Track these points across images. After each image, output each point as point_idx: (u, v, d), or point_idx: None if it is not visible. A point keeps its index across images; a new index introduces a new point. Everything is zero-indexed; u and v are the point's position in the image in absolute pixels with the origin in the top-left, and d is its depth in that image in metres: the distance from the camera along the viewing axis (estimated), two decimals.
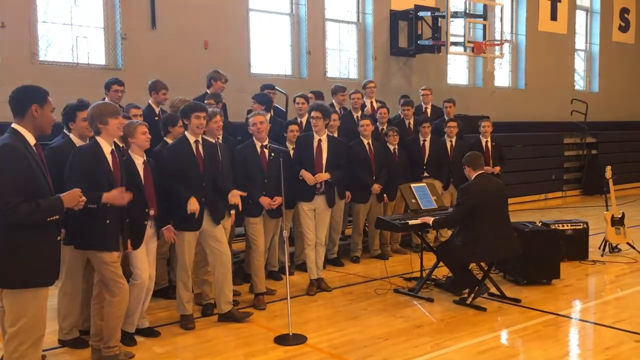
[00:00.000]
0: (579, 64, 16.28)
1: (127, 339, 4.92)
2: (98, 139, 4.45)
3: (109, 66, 8.99)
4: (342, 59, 11.99)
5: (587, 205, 12.49)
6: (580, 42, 16.18)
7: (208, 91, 7.22)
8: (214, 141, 5.54)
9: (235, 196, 5.42)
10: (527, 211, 11.43)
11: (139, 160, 4.91)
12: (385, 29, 11.95)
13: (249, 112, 7.01)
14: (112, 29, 9.00)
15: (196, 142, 5.30)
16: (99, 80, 7.30)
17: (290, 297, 5.34)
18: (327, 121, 6.42)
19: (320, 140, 6.34)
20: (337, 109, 8.32)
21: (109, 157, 4.45)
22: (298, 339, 5.06)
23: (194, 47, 9.52)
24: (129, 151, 4.92)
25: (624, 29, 16.80)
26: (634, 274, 7.16)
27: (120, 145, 5.06)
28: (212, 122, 5.52)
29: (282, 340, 5.05)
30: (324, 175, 6.28)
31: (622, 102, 16.53)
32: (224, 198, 5.46)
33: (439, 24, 11.68)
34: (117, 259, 4.51)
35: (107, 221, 4.40)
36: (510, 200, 6.41)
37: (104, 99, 6.52)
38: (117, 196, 4.33)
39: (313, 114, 6.30)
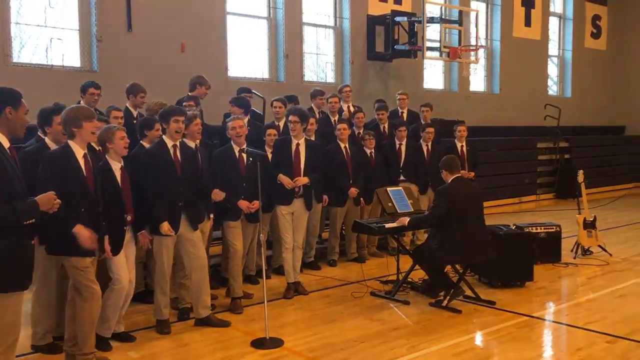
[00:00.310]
0: (552, 70, 16.55)
1: (103, 343, 4.87)
2: (71, 142, 4.40)
3: (84, 68, 8.90)
4: (320, 63, 12.03)
5: (560, 209, 12.70)
6: (553, 48, 16.46)
7: (190, 94, 7.20)
8: (193, 145, 5.53)
9: (217, 194, 5.42)
10: (501, 214, 11.57)
11: (116, 166, 4.86)
12: (362, 33, 12.03)
13: (226, 115, 7.00)
14: (87, 31, 8.91)
15: (174, 146, 5.27)
16: (73, 83, 7.22)
17: (268, 301, 5.35)
18: (305, 125, 6.43)
19: (298, 144, 6.35)
20: (316, 112, 8.35)
21: (82, 162, 4.41)
22: (275, 343, 5.06)
23: (171, 50, 9.46)
24: (106, 156, 4.88)
25: (595, 35, 17.14)
26: (605, 276, 7.30)
27: (97, 149, 5.02)
28: (192, 125, 5.52)
29: (259, 344, 5.05)
30: (303, 180, 6.29)
31: (594, 107, 16.84)
32: (206, 197, 5.46)
33: (415, 29, 11.78)
34: (89, 264, 4.47)
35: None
36: (485, 204, 6.49)
37: (79, 102, 6.45)
38: (87, 240, 4.27)
39: (291, 118, 6.31)
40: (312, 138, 7.05)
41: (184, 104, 6.69)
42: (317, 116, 8.24)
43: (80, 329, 4.51)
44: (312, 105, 8.50)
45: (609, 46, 17.44)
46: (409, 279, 6.60)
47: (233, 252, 5.98)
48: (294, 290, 6.49)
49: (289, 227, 6.38)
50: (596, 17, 17.07)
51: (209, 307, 5.55)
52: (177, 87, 7.75)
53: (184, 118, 5.30)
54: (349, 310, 6.02)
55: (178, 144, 5.30)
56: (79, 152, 4.41)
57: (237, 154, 5.94)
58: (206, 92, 7.29)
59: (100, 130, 4.81)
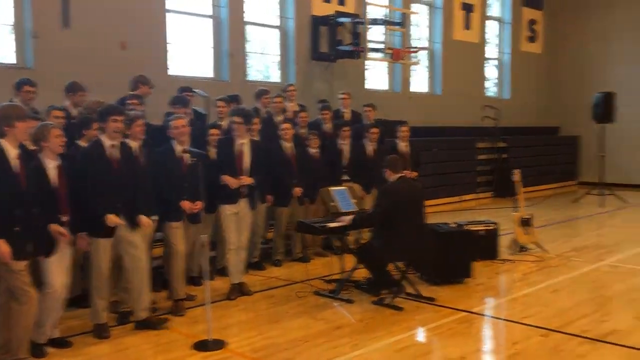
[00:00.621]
0: (492, 72, 17.02)
1: (37, 349, 4.72)
2: (2, 142, 4.25)
3: (19, 65, 8.58)
4: (265, 62, 11.99)
5: (497, 207, 13.07)
6: (493, 51, 16.92)
7: (132, 93, 7.04)
8: (136, 145, 5.42)
9: (144, 223, 5.29)
10: (442, 212, 11.81)
11: (51, 164, 4.71)
12: (307, 33, 12.05)
13: (168, 114, 6.88)
14: (22, 26, 8.58)
15: (112, 146, 5.15)
16: (7, 80, 6.95)
17: (211, 302, 5.29)
18: (249, 126, 6.40)
19: (242, 144, 6.31)
20: (262, 112, 8.31)
21: (15, 162, 4.26)
22: (217, 345, 5.02)
23: (110, 47, 9.22)
24: (41, 155, 4.71)
25: (532, 39, 17.73)
26: (541, 271, 7.57)
27: (33, 148, 4.85)
28: (135, 125, 5.42)
29: (202, 346, 5.00)
30: (248, 180, 6.26)
31: (531, 108, 17.42)
32: (149, 198, 5.39)
33: (359, 31, 11.90)
34: (24, 267, 4.34)
35: (16, 228, 4.22)
36: (426, 202, 6.63)
37: (11, 100, 6.22)
38: (3, 254, 4.17)
39: (234, 118, 6.26)
40: (256, 138, 7.02)
41: (127, 101, 6.53)
42: (263, 116, 8.21)
43: (16, 334, 4.37)
44: (258, 104, 8.46)
45: (544, 49, 18.07)
46: (352, 278, 6.66)
47: (175, 253, 5.89)
48: (238, 291, 6.45)
49: (233, 227, 6.33)
50: (532, 22, 17.66)
51: (149, 309, 5.45)
52: (116, 85, 7.55)
53: (123, 117, 5.19)
54: (294, 310, 6.03)
55: (117, 143, 5.17)
56: (11, 151, 4.28)
57: (178, 154, 5.86)
58: (149, 91, 7.16)
59: (34, 128, 4.65)
